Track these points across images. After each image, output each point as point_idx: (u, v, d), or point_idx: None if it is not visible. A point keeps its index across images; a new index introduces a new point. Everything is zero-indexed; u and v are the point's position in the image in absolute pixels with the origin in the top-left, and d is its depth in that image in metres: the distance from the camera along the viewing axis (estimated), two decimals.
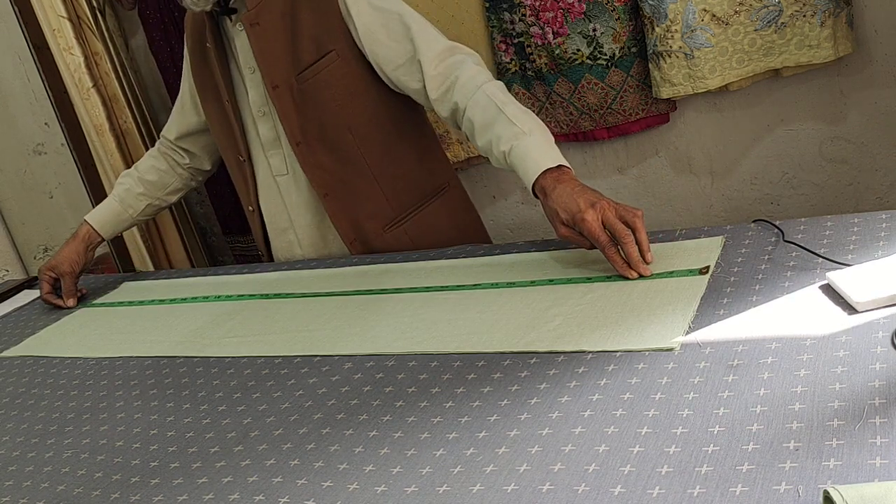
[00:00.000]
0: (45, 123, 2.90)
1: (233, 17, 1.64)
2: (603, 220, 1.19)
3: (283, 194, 1.72)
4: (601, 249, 1.20)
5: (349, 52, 1.58)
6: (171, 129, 1.89)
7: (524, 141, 1.37)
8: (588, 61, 1.99)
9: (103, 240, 1.84)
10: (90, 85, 2.61)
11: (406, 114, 1.67)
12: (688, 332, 0.98)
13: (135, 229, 2.65)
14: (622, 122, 2.03)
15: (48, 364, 1.44)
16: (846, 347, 0.87)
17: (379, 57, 1.57)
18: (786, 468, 0.71)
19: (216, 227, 2.91)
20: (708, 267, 1.13)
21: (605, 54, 1.96)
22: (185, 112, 1.86)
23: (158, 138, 1.94)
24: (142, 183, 1.87)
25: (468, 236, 1.74)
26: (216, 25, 1.68)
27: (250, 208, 1.79)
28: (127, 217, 1.86)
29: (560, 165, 1.32)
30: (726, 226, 1.26)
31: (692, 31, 1.82)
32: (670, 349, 0.95)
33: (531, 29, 2.01)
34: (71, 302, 1.74)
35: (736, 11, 1.80)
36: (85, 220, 1.83)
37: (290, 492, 0.88)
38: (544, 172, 1.31)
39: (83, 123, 2.65)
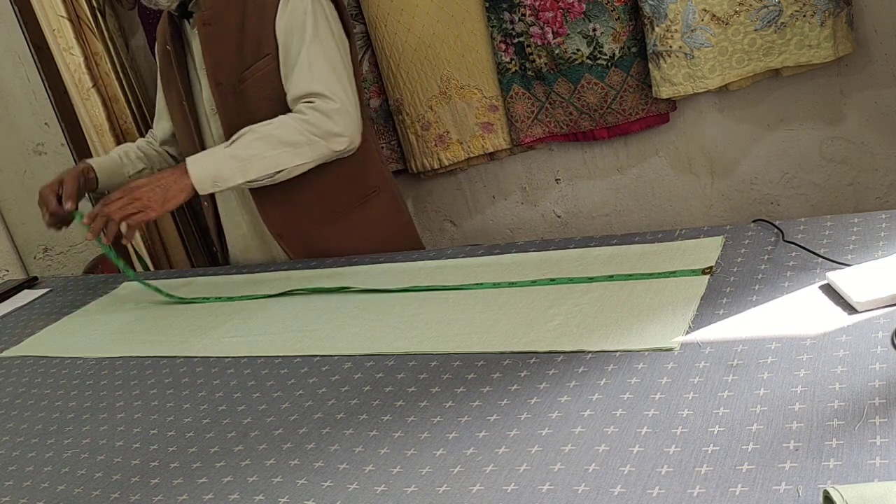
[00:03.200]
0: (45, 123, 2.90)
1: (191, 20, 1.74)
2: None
3: (232, 190, 1.77)
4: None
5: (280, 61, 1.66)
6: (156, 135, 1.97)
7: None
8: (588, 61, 1.99)
9: (97, 179, 1.82)
10: (90, 85, 2.61)
11: None
12: (688, 332, 0.98)
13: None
14: (622, 122, 2.03)
15: (48, 364, 1.44)
16: (846, 347, 0.87)
17: (283, 77, 1.67)
18: (786, 468, 0.71)
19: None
20: (711, 267, 1.13)
21: (605, 54, 1.96)
22: (161, 118, 1.95)
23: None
24: (142, 151, 1.93)
25: (397, 239, 1.82)
26: (176, 29, 1.77)
27: (205, 203, 1.88)
28: (123, 173, 1.88)
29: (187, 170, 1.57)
30: (726, 226, 1.26)
31: (692, 30, 1.82)
32: (670, 349, 0.95)
33: (531, 29, 2.01)
34: (69, 205, 1.68)
35: (736, 11, 1.80)
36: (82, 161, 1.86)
37: (290, 492, 0.88)
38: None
39: (83, 123, 2.65)
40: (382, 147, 2.30)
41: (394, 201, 1.88)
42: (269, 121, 1.62)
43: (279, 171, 1.61)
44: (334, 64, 1.64)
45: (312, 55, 1.62)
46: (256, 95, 1.67)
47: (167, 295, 1.61)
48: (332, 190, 1.75)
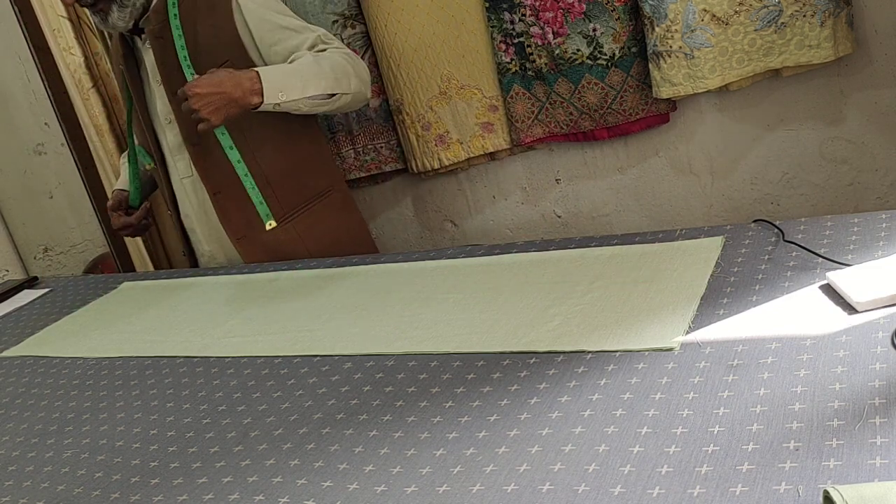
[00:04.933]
0: (45, 123, 2.90)
1: (142, 36, 1.81)
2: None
3: (188, 195, 1.88)
4: None
5: (242, 61, 1.75)
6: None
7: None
8: (588, 61, 1.99)
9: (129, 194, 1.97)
10: (90, 85, 2.61)
11: (295, 118, 1.81)
12: (688, 332, 0.98)
13: None
14: (622, 122, 2.03)
15: (48, 364, 1.44)
16: (846, 347, 0.87)
17: (279, 60, 1.78)
18: (786, 468, 0.71)
19: None
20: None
21: (605, 54, 1.96)
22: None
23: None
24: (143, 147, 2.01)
25: (350, 237, 1.93)
26: (128, 46, 1.86)
27: (168, 212, 1.97)
28: (144, 180, 2.01)
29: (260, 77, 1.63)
30: (726, 226, 1.26)
31: (692, 31, 1.82)
32: (670, 349, 0.95)
33: (531, 29, 2.01)
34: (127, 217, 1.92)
35: (736, 11, 1.80)
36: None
37: (290, 492, 0.88)
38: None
39: (83, 123, 2.65)
40: (382, 147, 2.30)
41: (345, 201, 1.97)
42: (314, 53, 1.73)
43: (332, 95, 1.71)
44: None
45: (311, 26, 1.78)
46: None
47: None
48: (283, 192, 1.82)
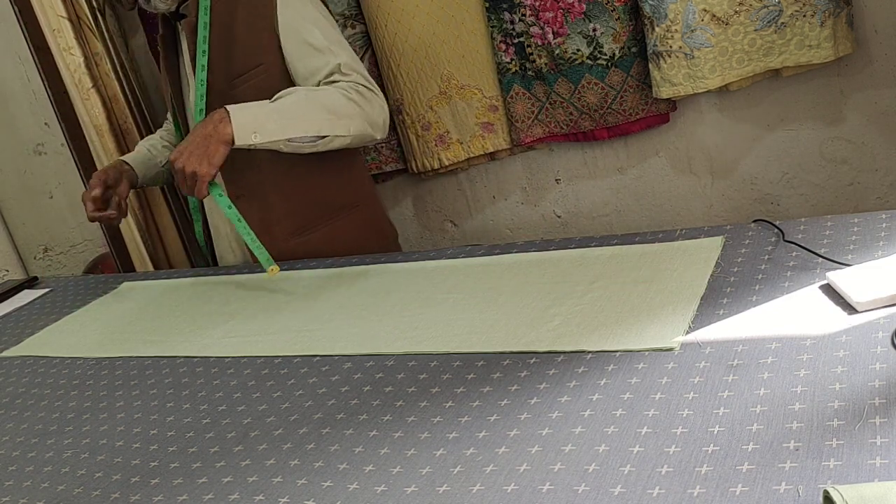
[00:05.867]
0: (45, 123, 2.90)
1: (181, 22, 1.74)
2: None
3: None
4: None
5: (277, 67, 1.67)
6: (171, 128, 1.99)
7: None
8: (588, 61, 1.99)
9: (134, 172, 1.85)
10: (90, 85, 2.61)
11: None
12: (688, 332, 0.98)
13: (135, 229, 2.65)
14: (622, 122, 2.03)
15: (48, 364, 1.44)
16: (846, 347, 0.87)
17: (299, 79, 1.68)
18: (786, 468, 0.71)
19: None
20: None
21: (605, 54, 1.96)
22: (168, 121, 2.00)
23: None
24: (165, 140, 1.97)
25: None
26: (170, 29, 1.79)
27: (174, 208, 1.97)
28: (156, 164, 1.93)
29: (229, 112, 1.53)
30: (726, 226, 1.26)
31: (692, 31, 1.82)
32: (670, 349, 0.95)
33: (531, 29, 2.01)
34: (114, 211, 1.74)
35: (736, 11, 1.80)
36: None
37: (290, 492, 0.88)
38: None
39: (83, 123, 2.64)
40: (382, 147, 2.30)
41: (373, 218, 1.85)
42: (314, 87, 1.62)
43: (321, 138, 1.58)
44: (358, 61, 1.68)
45: (337, 51, 1.64)
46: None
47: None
48: (301, 204, 1.75)
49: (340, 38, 1.70)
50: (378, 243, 1.84)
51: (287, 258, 1.74)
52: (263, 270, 1.59)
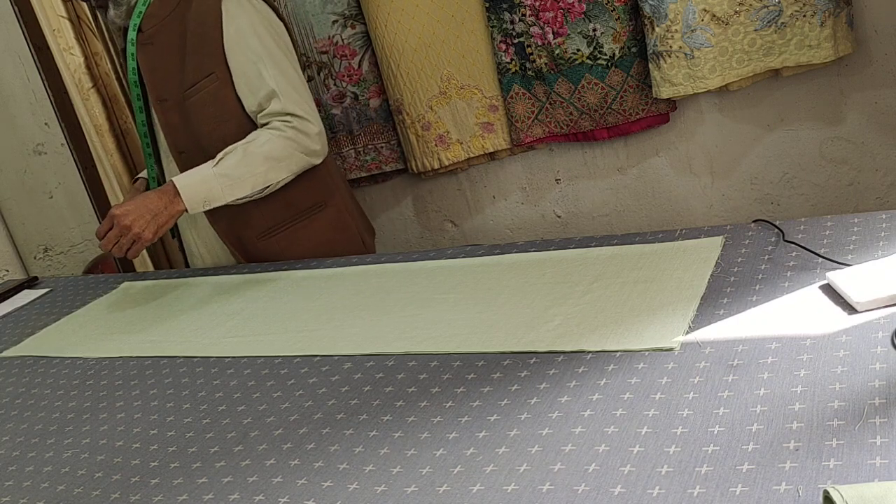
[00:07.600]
0: (45, 123, 2.90)
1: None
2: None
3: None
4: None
5: (227, 75, 1.70)
6: None
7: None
8: (588, 61, 1.99)
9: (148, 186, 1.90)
10: (90, 85, 2.61)
11: None
12: (688, 332, 0.98)
13: None
14: (622, 122, 2.03)
15: (48, 364, 1.44)
16: (846, 347, 0.87)
17: (239, 91, 1.72)
18: (786, 468, 0.71)
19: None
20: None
21: (605, 54, 1.96)
22: None
23: None
24: None
25: (340, 255, 1.83)
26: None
27: None
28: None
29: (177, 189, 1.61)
30: (726, 226, 1.26)
31: (692, 31, 1.82)
32: (670, 349, 0.95)
33: (531, 29, 2.01)
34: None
35: (736, 11, 1.80)
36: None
37: (290, 492, 0.88)
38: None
39: (83, 123, 2.65)
40: (382, 147, 2.30)
41: (339, 218, 1.88)
42: (249, 139, 1.67)
43: (267, 187, 1.69)
44: (296, 83, 1.72)
45: (273, 74, 1.68)
46: (200, 113, 1.72)
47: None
48: (271, 208, 1.78)
49: (280, 57, 1.72)
50: (348, 243, 1.88)
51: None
52: (264, 271, 1.59)
